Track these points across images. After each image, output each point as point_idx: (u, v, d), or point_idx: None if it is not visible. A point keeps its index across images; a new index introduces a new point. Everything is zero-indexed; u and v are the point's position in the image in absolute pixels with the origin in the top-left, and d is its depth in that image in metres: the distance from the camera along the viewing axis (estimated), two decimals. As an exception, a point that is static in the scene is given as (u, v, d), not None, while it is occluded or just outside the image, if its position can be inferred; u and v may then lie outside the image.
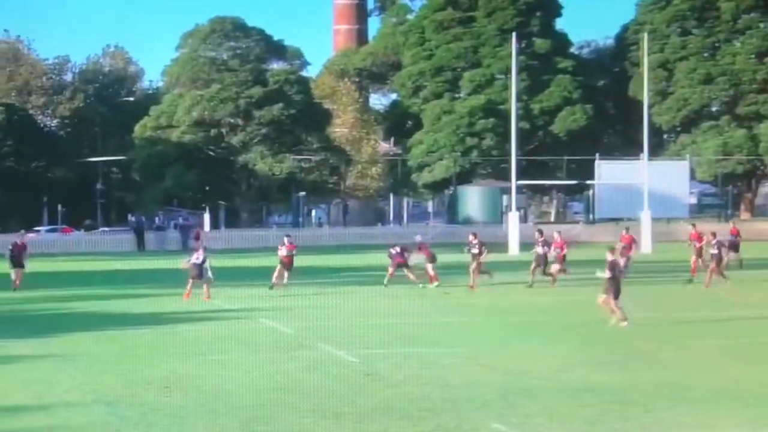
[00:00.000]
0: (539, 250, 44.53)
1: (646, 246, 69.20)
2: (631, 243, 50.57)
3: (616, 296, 31.55)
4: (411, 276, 44.54)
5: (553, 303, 40.09)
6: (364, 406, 21.14)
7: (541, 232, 46.52)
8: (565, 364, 26.26)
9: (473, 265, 44.81)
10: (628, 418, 20.01)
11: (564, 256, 45.52)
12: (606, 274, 31.72)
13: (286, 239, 46.32)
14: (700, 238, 49.06)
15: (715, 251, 44.63)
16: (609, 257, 32.08)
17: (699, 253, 48.48)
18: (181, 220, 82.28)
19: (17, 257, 46.66)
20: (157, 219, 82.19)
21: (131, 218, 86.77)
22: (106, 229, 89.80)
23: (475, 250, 45.06)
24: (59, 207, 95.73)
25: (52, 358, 27.84)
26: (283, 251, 45.28)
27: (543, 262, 44.45)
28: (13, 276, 46.03)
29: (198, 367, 26.08)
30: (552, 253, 45.06)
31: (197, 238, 72.99)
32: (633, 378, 23.94)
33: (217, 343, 29.82)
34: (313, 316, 34.11)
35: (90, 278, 53.51)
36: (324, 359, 27.32)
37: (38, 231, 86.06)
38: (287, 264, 44.70)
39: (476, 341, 29.95)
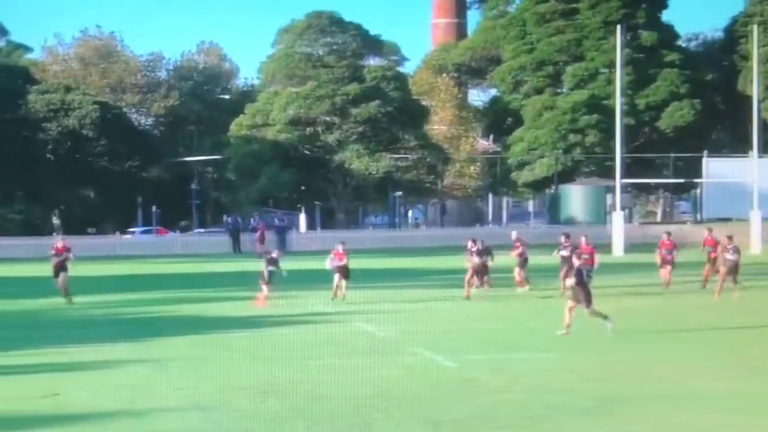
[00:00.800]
0: (564, 253, 42.25)
1: (755, 247, 68.61)
2: (592, 253, 43.68)
3: (589, 303, 31.05)
4: (476, 282, 43.30)
5: (644, 306, 39.75)
6: (463, 414, 21.22)
7: (567, 236, 44.71)
8: (663, 370, 26.17)
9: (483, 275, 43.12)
10: (734, 426, 19.88)
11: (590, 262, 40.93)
12: (571, 281, 31.77)
13: (340, 246, 43.60)
14: (715, 244, 45.78)
15: (732, 257, 41.48)
16: (576, 262, 32.03)
17: (713, 262, 45.40)
18: (276, 221, 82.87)
19: (61, 262, 43.14)
20: (252, 220, 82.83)
21: (227, 219, 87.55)
22: (201, 230, 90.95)
23: (476, 259, 43.08)
24: (154, 208, 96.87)
25: (147, 363, 28.17)
26: (334, 261, 42.67)
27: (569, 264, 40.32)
28: (59, 283, 42.86)
29: (294, 371, 26.27)
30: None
31: (262, 240, 73.17)
32: (736, 386, 23.72)
33: (313, 348, 30.05)
34: (409, 319, 34.34)
35: (185, 281, 53.95)
36: (421, 364, 27.42)
37: (132, 232, 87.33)
38: (343, 273, 42.36)
39: (570, 347, 29.98)
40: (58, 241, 45.34)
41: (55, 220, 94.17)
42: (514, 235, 47.86)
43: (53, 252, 43.86)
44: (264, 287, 39.75)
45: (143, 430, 20.65)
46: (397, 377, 25.61)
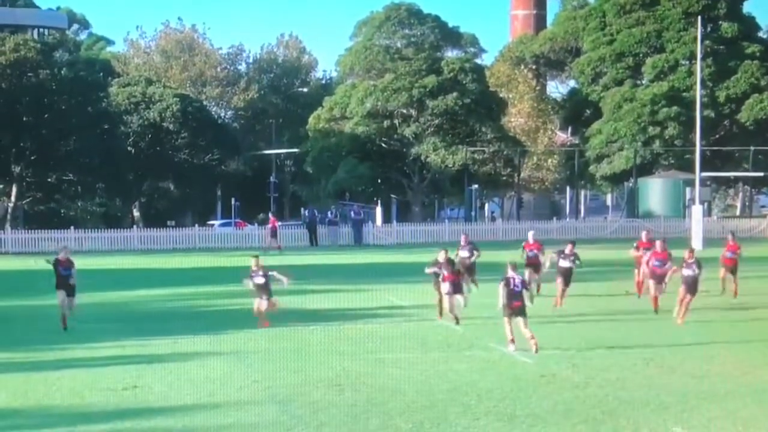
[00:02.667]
0: (564, 263, 37.19)
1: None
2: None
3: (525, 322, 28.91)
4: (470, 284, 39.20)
5: (723, 303, 38.98)
6: (539, 409, 21.32)
7: (573, 244, 38.54)
8: (750, 365, 26.05)
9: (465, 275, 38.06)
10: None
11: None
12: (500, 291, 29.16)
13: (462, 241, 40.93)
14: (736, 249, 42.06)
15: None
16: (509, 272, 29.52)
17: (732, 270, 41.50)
18: (353, 214, 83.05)
19: (64, 279, 33.75)
20: (329, 213, 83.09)
21: (304, 212, 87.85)
22: (279, 223, 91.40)
23: (465, 253, 39.57)
24: (233, 201, 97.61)
25: (225, 355, 28.56)
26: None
27: (568, 274, 37.30)
28: (60, 301, 33.94)
29: (370, 365, 26.49)
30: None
31: (273, 234, 71.89)
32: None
33: (388, 341, 30.28)
34: (485, 314, 34.11)
35: None
36: (497, 359, 27.50)
37: (212, 225, 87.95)
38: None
39: (653, 342, 29.80)
40: (62, 251, 34.96)
41: (135, 213, 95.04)
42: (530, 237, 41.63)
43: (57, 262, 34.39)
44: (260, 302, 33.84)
45: (221, 422, 20.90)
46: (473, 372, 25.64)
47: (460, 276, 34.74)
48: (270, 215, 78.42)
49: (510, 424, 20.07)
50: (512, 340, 28.45)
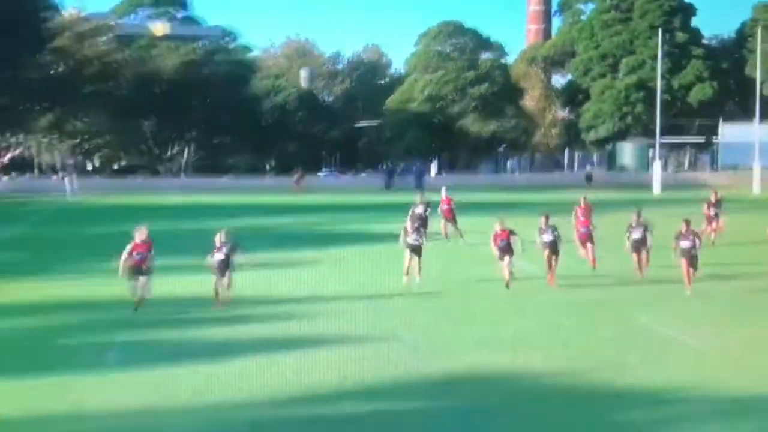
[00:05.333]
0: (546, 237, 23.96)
1: (756, 188, 67.70)
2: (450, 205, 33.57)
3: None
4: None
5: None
6: (682, 382, 14.73)
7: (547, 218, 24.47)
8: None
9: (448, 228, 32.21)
10: None
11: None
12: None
13: (443, 191, 34.59)
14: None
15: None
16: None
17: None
18: (415, 167, 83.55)
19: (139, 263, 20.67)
20: (414, 167, 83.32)
21: (384, 165, 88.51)
22: (363, 174, 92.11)
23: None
24: (333, 158, 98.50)
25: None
26: (442, 206, 33.47)
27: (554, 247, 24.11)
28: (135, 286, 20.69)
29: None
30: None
31: (299, 182, 70.04)
32: None
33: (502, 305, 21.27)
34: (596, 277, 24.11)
35: (354, 209, 52.46)
36: (635, 329, 18.70)
37: (319, 175, 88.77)
38: (450, 218, 33.31)
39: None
40: (139, 232, 20.86)
41: (268, 166, 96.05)
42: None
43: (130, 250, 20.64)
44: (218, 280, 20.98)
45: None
46: (612, 341, 17.91)
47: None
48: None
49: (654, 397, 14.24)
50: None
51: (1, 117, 76.91)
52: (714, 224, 32.18)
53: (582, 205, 29.63)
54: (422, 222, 29.16)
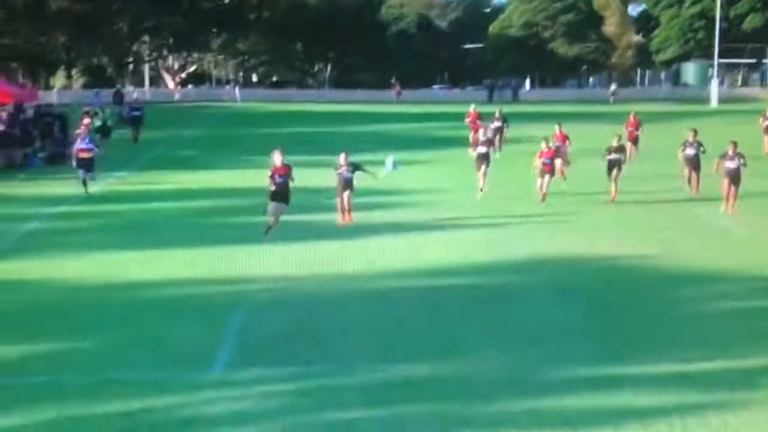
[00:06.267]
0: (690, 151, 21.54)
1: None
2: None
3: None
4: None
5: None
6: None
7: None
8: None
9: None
10: None
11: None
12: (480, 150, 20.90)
13: (497, 113, 30.42)
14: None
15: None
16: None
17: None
18: (512, 83, 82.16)
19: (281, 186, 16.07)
20: (498, 83, 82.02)
21: (486, 81, 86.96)
22: (470, 88, 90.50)
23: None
24: (444, 75, 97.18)
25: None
26: (490, 128, 28.23)
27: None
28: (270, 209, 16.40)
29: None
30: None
31: (398, 95, 69.12)
32: None
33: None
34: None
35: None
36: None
37: (434, 88, 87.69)
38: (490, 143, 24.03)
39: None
40: (276, 155, 16.18)
41: (393, 80, 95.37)
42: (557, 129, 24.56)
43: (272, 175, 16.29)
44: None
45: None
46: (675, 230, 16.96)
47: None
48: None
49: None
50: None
51: (182, 39, 78.35)
52: None
53: (631, 119, 28.43)
54: (496, 132, 28.36)
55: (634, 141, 27.70)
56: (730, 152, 19.15)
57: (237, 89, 71.18)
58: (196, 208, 20.25)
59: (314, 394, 8.91)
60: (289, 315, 11.66)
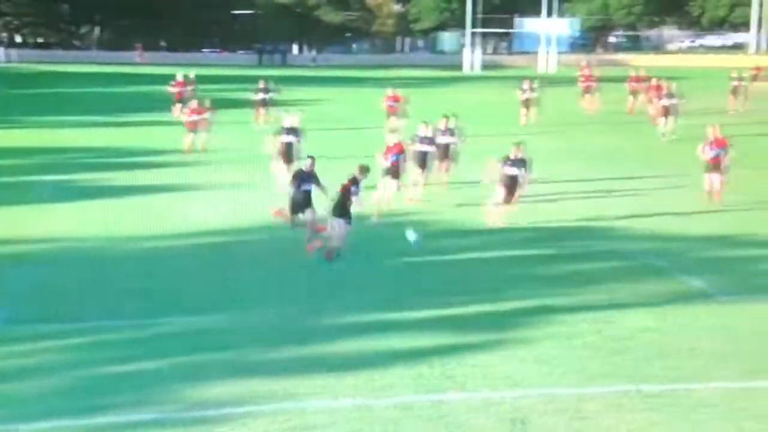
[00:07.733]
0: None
1: (551, 67, 68.66)
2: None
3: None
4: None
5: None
6: None
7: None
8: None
9: None
10: None
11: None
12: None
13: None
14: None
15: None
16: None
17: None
18: (279, 49, 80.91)
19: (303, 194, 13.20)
20: (268, 47, 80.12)
21: (256, 46, 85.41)
22: (240, 52, 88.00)
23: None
24: (214, 39, 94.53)
25: None
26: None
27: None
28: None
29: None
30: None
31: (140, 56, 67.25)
32: None
33: None
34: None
35: (231, 79, 48.16)
36: None
37: (203, 51, 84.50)
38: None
39: None
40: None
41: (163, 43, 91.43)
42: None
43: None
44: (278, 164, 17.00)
45: None
46: None
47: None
48: None
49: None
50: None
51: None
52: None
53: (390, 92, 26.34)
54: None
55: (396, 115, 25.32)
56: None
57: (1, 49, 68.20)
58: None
59: (98, 348, 8.92)
60: (70, 274, 11.53)
